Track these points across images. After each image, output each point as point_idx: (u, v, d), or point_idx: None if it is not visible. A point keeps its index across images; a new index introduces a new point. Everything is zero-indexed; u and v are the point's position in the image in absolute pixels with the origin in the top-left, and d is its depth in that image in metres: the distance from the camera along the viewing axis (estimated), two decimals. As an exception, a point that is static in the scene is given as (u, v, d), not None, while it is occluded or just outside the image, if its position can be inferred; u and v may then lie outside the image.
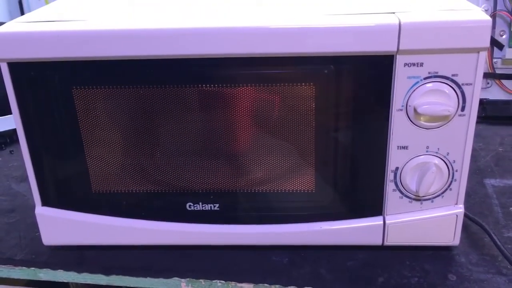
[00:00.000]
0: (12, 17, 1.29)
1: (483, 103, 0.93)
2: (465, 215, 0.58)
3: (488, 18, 0.48)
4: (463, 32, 0.48)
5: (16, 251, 0.61)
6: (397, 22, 0.48)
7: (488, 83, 0.96)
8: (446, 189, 0.55)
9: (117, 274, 0.58)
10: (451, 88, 0.50)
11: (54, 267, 0.59)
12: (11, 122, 0.88)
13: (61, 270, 0.59)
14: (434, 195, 0.55)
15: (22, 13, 1.30)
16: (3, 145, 0.90)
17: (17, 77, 0.52)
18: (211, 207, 0.58)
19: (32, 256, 0.60)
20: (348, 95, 0.52)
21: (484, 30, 0.48)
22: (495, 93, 0.96)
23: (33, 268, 0.60)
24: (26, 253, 0.61)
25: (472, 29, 0.48)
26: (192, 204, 0.58)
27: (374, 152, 0.54)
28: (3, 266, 0.60)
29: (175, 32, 0.49)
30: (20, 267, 0.60)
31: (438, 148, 0.53)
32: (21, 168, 0.82)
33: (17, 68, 0.52)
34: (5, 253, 0.61)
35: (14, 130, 0.88)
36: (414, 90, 0.50)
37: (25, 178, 0.78)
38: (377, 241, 0.58)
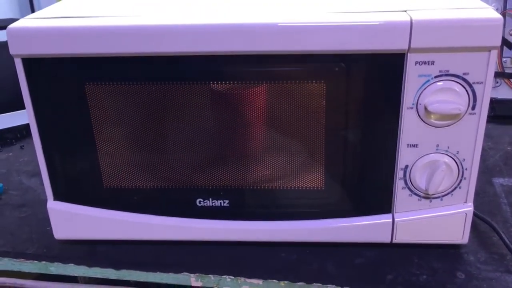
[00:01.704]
0: (22, 14, 1.30)
1: (492, 102, 0.93)
2: (474, 214, 0.58)
3: (499, 16, 0.48)
4: (475, 30, 0.48)
5: (28, 245, 0.62)
6: (408, 20, 0.48)
7: (497, 82, 0.95)
8: (456, 188, 0.55)
9: (127, 268, 0.59)
10: (462, 87, 0.50)
11: (65, 261, 0.60)
12: (21, 117, 0.88)
13: (72, 264, 0.60)
14: (443, 194, 0.55)
15: (33, 10, 1.31)
16: (14, 140, 0.90)
17: (31, 72, 0.53)
18: (221, 203, 0.58)
19: (43, 250, 0.61)
20: (359, 93, 0.52)
21: (495, 28, 0.48)
22: (504, 93, 0.96)
23: (44, 262, 0.60)
24: (37, 247, 0.62)
25: (484, 28, 0.48)
26: (202, 200, 0.58)
27: (384, 150, 0.54)
28: (14, 259, 0.61)
29: (187, 29, 0.50)
30: (31, 261, 0.61)
31: (448, 147, 0.53)
32: (31, 163, 0.82)
33: (31, 63, 0.52)
34: (16, 247, 0.62)
35: (25, 126, 0.89)
36: (425, 89, 0.50)
37: (36, 173, 0.79)
38: (386, 239, 0.58)
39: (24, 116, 0.55)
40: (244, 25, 0.49)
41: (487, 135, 0.88)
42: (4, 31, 0.51)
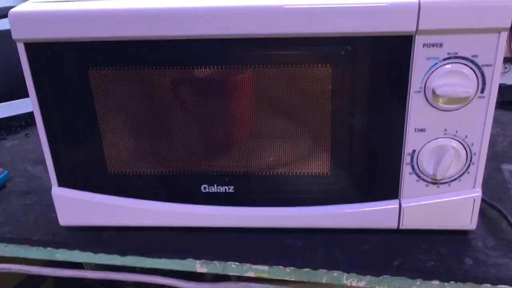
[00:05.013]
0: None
1: (500, 88, 0.92)
2: (482, 200, 0.57)
3: (510, -3, 0.47)
4: (484, 11, 0.47)
5: (33, 231, 0.62)
6: (416, 0, 0.47)
7: (506, 68, 0.94)
8: (464, 173, 0.54)
9: (133, 255, 0.59)
10: (470, 70, 0.49)
11: (70, 247, 0.60)
12: (26, 105, 0.88)
13: (77, 251, 0.60)
14: (451, 179, 0.55)
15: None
16: (18, 128, 0.90)
17: (34, 57, 0.52)
18: (225, 189, 0.58)
19: (48, 237, 0.61)
20: (365, 76, 0.51)
21: (505, 9, 0.47)
22: (513, 78, 0.95)
23: (49, 248, 0.61)
24: (43, 234, 0.62)
25: (493, 9, 0.47)
26: (207, 186, 0.58)
27: (390, 135, 0.53)
28: (20, 246, 0.61)
29: (193, 12, 0.49)
30: (37, 247, 0.61)
31: (456, 131, 0.52)
32: (36, 151, 0.82)
33: (33, 48, 0.52)
34: (22, 233, 0.62)
35: (29, 114, 0.89)
36: (433, 71, 0.50)
37: (40, 161, 0.79)
38: (393, 225, 0.57)
39: (29, 104, 0.55)
40: (248, 8, 0.49)
41: (496, 121, 0.86)
42: (6, 20, 0.51)
